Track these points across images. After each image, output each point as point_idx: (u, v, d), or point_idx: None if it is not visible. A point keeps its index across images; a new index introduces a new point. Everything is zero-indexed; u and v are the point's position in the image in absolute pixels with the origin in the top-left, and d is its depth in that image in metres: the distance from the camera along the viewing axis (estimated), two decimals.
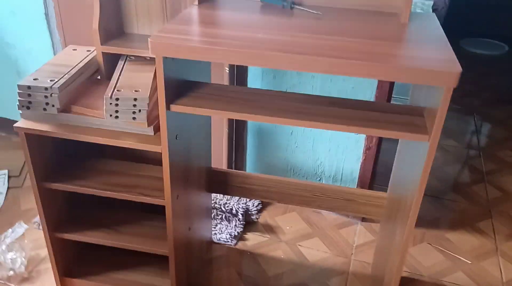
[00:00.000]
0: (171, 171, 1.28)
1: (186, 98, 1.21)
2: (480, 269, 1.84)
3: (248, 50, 1.01)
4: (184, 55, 1.05)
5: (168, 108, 1.17)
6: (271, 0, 1.34)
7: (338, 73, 1.00)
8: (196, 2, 1.32)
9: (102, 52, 1.41)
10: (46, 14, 2.07)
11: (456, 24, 4.39)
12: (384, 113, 1.17)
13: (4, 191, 2.09)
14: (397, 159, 1.55)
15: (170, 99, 1.18)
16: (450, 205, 2.21)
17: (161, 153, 1.24)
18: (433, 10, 4.74)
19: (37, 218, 1.93)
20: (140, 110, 1.22)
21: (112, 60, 1.44)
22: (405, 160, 1.40)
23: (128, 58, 1.44)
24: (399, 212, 1.36)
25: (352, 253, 1.89)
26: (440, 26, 1.24)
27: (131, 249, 1.49)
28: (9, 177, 2.18)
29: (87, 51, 1.47)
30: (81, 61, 1.39)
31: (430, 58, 1.03)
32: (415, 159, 1.22)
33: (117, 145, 1.26)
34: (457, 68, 0.97)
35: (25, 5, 2.08)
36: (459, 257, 1.89)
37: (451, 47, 1.09)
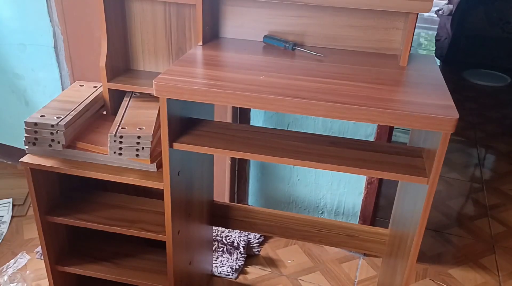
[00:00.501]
0: (173, 207, 1.29)
1: (189, 136, 1.23)
2: None
3: (249, 93, 1.04)
4: (187, 97, 1.08)
5: (171, 146, 1.20)
6: (273, 41, 1.38)
7: (338, 118, 1.02)
8: (201, 43, 1.35)
9: (108, 89, 1.45)
10: (55, 47, 2.12)
11: (459, 55, 4.45)
12: (383, 153, 1.19)
13: (8, 220, 2.10)
14: (398, 195, 1.55)
15: (173, 137, 1.20)
16: (453, 240, 2.20)
17: (163, 189, 1.25)
18: (436, 41, 4.81)
19: (40, 248, 1.94)
20: (143, 148, 1.24)
21: (117, 96, 1.47)
22: (405, 197, 1.41)
23: (133, 95, 1.47)
24: (400, 248, 1.36)
25: None
26: (439, 69, 1.26)
27: (132, 284, 1.50)
28: (13, 205, 2.20)
29: (94, 87, 1.50)
30: (87, 98, 1.42)
31: (428, 104, 1.05)
32: (415, 197, 1.23)
33: (120, 182, 1.28)
34: (455, 114, 0.98)
35: (35, 38, 2.13)
36: None
37: (448, 92, 1.11)
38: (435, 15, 5.19)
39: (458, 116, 0.98)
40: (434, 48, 4.66)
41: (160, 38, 1.49)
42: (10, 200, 2.22)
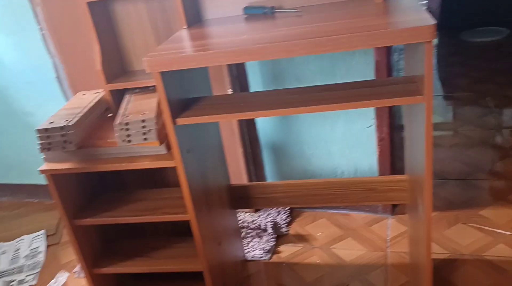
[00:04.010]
0: (190, 185, 1.33)
1: (190, 111, 1.28)
2: None
3: (234, 48, 1.09)
4: (177, 66, 1.13)
5: (174, 122, 1.24)
6: (253, 10, 1.43)
7: (321, 52, 1.06)
8: (185, 26, 1.42)
9: (109, 90, 1.51)
10: (58, 77, 2.22)
11: (453, 19, 4.46)
12: (378, 87, 1.22)
13: (44, 249, 2.17)
14: (406, 138, 1.57)
15: (175, 114, 1.25)
16: (479, 184, 2.18)
17: (177, 172, 1.30)
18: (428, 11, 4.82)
19: (77, 268, 1.99)
20: (149, 130, 1.30)
21: (119, 96, 1.54)
22: (412, 136, 1.42)
23: (133, 92, 1.53)
24: (419, 191, 1.37)
25: (387, 246, 1.87)
26: None
27: (167, 272, 1.53)
28: (47, 236, 2.27)
29: (95, 93, 1.58)
30: (91, 102, 1.49)
31: (405, 21, 1.08)
32: (419, 131, 1.24)
33: (135, 169, 1.33)
34: (431, 21, 1.01)
35: (38, 74, 2.24)
36: (497, 230, 1.85)
37: (424, 10, 1.14)
38: None
39: (434, 22, 1.01)
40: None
41: (148, 35, 1.56)
42: (43, 231, 2.29)
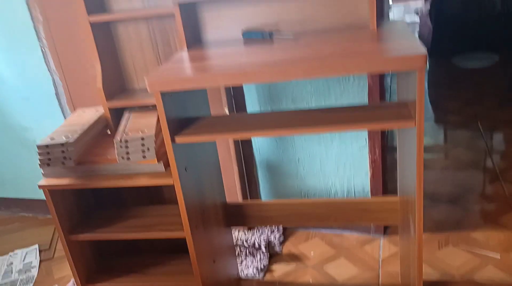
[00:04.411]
0: (186, 203, 1.36)
1: (189, 129, 1.32)
2: (511, 261, 1.82)
3: (232, 71, 1.13)
4: (178, 87, 1.17)
5: (173, 140, 1.28)
6: (251, 35, 1.48)
7: (316, 76, 1.10)
8: (185, 48, 1.46)
9: (108, 108, 1.55)
10: (57, 94, 2.25)
11: (444, 44, 4.56)
12: (372, 111, 1.26)
13: (37, 264, 2.17)
14: (399, 161, 1.61)
15: (174, 133, 1.28)
16: (469, 207, 2.22)
17: (174, 190, 1.32)
18: (420, 37, 4.94)
19: (70, 283, 1.99)
20: (148, 148, 1.33)
21: (118, 114, 1.57)
22: (404, 160, 1.46)
23: (132, 110, 1.57)
24: (411, 212, 1.40)
25: (379, 266, 1.89)
26: (407, 26, 1.35)
27: None
28: (40, 251, 2.27)
29: (96, 110, 1.61)
30: (90, 119, 1.52)
31: (397, 49, 1.13)
32: (411, 154, 1.28)
33: (132, 186, 1.35)
34: (423, 51, 1.06)
35: (36, 90, 2.27)
36: (487, 253, 1.88)
37: (416, 38, 1.19)
38: (417, 17, 5.38)
39: (425, 52, 1.06)
40: None
41: (148, 55, 1.60)
42: (36, 246, 2.29)
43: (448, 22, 4.54)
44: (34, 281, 2.07)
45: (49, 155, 1.35)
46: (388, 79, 3.70)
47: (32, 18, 2.10)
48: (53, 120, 2.32)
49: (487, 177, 2.45)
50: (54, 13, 1.95)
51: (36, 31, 2.13)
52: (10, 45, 2.21)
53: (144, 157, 1.33)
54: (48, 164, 1.36)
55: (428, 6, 4.61)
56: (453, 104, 3.47)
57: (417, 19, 5.38)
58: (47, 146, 1.35)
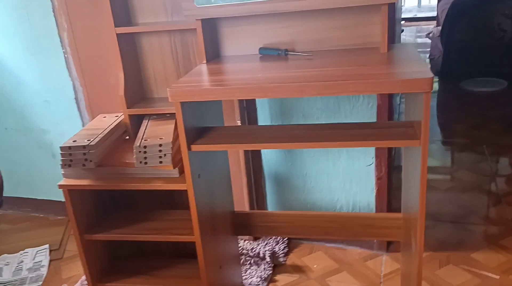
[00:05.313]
0: (198, 208, 1.42)
1: (204, 139, 1.39)
2: (510, 282, 1.86)
3: (250, 85, 1.20)
4: (197, 97, 1.24)
5: (189, 148, 1.35)
6: (267, 51, 1.56)
7: (330, 94, 1.17)
8: (204, 61, 1.54)
9: (128, 115, 1.62)
10: (76, 99, 2.34)
11: (453, 68, 4.63)
12: (379, 129, 1.32)
13: (47, 264, 2.23)
14: (404, 178, 1.66)
15: (190, 141, 1.35)
16: (471, 228, 2.26)
17: (187, 195, 1.39)
18: (431, 59, 5.02)
19: (78, 283, 2.05)
20: (165, 154, 1.40)
21: (137, 121, 1.65)
22: (409, 179, 1.52)
23: (150, 117, 1.64)
24: (413, 230, 1.45)
25: (381, 282, 1.94)
26: (416, 50, 1.42)
27: None
28: (50, 250, 2.33)
29: (116, 116, 1.68)
30: (111, 124, 1.60)
31: (406, 72, 1.20)
32: (415, 172, 1.34)
33: (149, 189, 1.42)
34: (429, 74, 1.13)
35: (57, 94, 2.35)
36: (486, 273, 1.92)
37: (424, 61, 1.26)
38: (429, 39, 5.46)
39: (432, 75, 1.12)
40: (429, 67, 4.87)
41: (168, 66, 1.68)
42: (47, 246, 2.36)
43: (458, 47, 4.61)
44: (43, 280, 2.13)
45: (71, 156, 1.43)
46: (397, 99, 3.77)
47: (57, 25, 2.20)
48: (70, 124, 2.40)
49: (490, 200, 2.49)
50: (78, 21, 2.04)
51: (60, 37, 2.23)
52: (35, 50, 2.30)
53: (160, 162, 1.40)
54: (70, 165, 1.44)
55: (440, 30, 4.70)
56: (460, 127, 3.52)
57: (428, 40, 5.48)
58: (69, 147, 1.42)
